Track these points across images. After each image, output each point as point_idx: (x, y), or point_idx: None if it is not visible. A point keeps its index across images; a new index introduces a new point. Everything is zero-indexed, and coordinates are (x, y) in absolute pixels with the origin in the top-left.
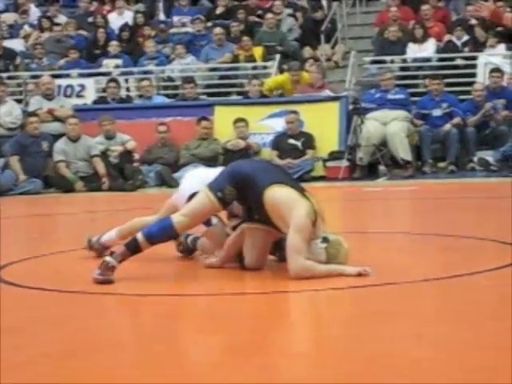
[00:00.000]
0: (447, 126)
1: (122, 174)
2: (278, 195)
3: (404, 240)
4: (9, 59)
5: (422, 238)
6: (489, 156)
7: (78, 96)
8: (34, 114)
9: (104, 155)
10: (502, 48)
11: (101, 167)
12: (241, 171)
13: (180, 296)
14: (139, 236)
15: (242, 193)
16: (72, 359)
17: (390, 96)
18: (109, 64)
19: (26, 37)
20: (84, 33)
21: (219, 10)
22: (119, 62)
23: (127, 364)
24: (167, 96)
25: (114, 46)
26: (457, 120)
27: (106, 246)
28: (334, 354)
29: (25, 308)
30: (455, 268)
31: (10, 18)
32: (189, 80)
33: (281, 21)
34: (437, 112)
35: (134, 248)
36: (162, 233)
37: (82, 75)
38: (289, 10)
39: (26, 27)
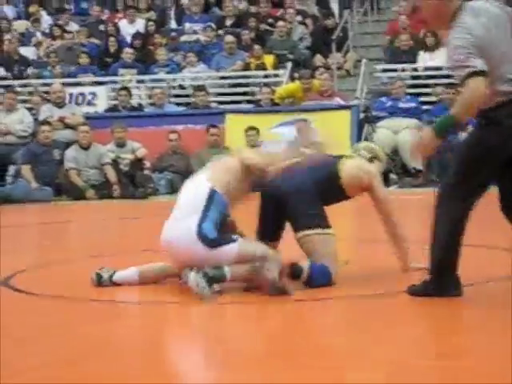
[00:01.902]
0: (464, 136)
1: (132, 182)
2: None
3: (414, 249)
4: (23, 66)
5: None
6: None
7: (90, 104)
8: (46, 122)
9: (115, 163)
10: None
11: (112, 175)
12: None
13: (181, 304)
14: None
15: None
16: (73, 367)
17: (401, 104)
18: (125, 74)
19: (38, 45)
20: (95, 41)
21: (230, 19)
22: (134, 71)
23: (129, 372)
24: (178, 104)
25: (128, 54)
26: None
27: (118, 284)
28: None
29: (33, 316)
30: (467, 277)
31: (22, 25)
32: (200, 88)
33: (292, 29)
34: None
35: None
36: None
37: (93, 83)
38: (299, 18)
39: (38, 35)
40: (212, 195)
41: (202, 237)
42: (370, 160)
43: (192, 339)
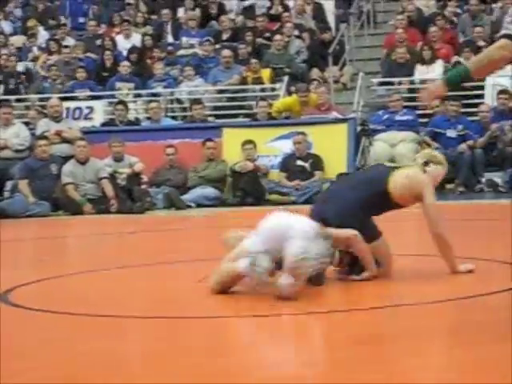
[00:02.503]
0: (462, 147)
1: (130, 196)
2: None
3: (411, 262)
4: (20, 80)
5: (430, 260)
6: (497, 177)
7: (87, 118)
8: (43, 136)
9: (112, 177)
10: (508, 69)
11: (109, 189)
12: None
13: (182, 319)
14: None
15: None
16: (73, 382)
17: (397, 117)
18: (122, 88)
19: (35, 59)
20: (92, 55)
21: (227, 33)
22: (131, 85)
23: None
24: (175, 118)
25: (125, 67)
26: (472, 142)
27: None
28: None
29: (32, 331)
30: (463, 290)
31: (19, 40)
32: (197, 101)
33: (289, 42)
34: (451, 133)
35: None
36: None
37: (90, 97)
38: (295, 32)
39: (35, 50)
40: None
41: None
42: (425, 164)
43: (193, 353)
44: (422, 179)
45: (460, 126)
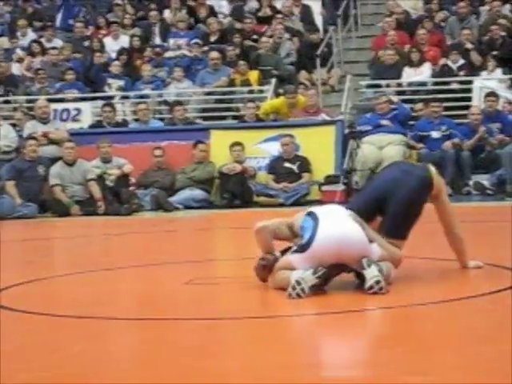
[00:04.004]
0: (446, 145)
1: (117, 198)
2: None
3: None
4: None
5: (417, 262)
6: (484, 180)
7: (74, 120)
8: (32, 137)
9: (100, 179)
10: (499, 72)
11: (96, 191)
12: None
13: (169, 320)
14: None
15: None
16: None
17: (385, 120)
18: (112, 84)
19: (20, 61)
20: (79, 56)
21: (215, 35)
22: (121, 83)
23: None
24: (162, 120)
25: (115, 67)
26: (456, 140)
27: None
28: None
29: (19, 333)
30: (451, 292)
31: (6, 42)
32: (179, 103)
33: (279, 44)
34: (436, 134)
35: None
36: None
37: (78, 99)
38: (287, 35)
39: (19, 51)
40: None
41: None
42: None
43: (179, 357)
44: (443, 180)
45: (444, 127)
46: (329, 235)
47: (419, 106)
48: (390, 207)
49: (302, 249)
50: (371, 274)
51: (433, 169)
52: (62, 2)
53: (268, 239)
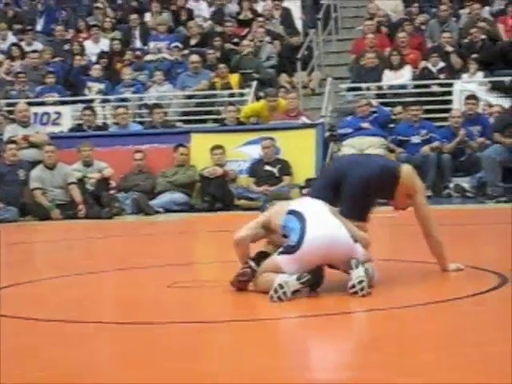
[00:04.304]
0: (425, 149)
1: (98, 202)
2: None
3: (383, 267)
4: None
5: (402, 265)
6: (465, 182)
7: (55, 124)
8: (12, 141)
9: (81, 182)
10: (479, 75)
11: (77, 195)
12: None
13: (154, 324)
14: None
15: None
16: None
17: (366, 123)
18: (93, 88)
19: (0, 64)
20: (58, 59)
21: (195, 38)
22: (102, 86)
23: None
24: (142, 123)
25: (96, 70)
26: (436, 144)
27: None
28: None
29: (2, 337)
30: (437, 294)
31: None
32: (158, 106)
33: (260, 48)
34: (416, 139)
35: None
36: None
37: (58, 103)
38: (267, 38)
39: None
40: None
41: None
42: None
43: (164, 361)
44: (420, 182)
45: (423, 131)
46: (318, 237)
47: (398, 109)
48: (344, 188)
49: (291, 250)
50: (357, 274)
51: (407, 167)
52: (44, 6)
53: (247, 250)
